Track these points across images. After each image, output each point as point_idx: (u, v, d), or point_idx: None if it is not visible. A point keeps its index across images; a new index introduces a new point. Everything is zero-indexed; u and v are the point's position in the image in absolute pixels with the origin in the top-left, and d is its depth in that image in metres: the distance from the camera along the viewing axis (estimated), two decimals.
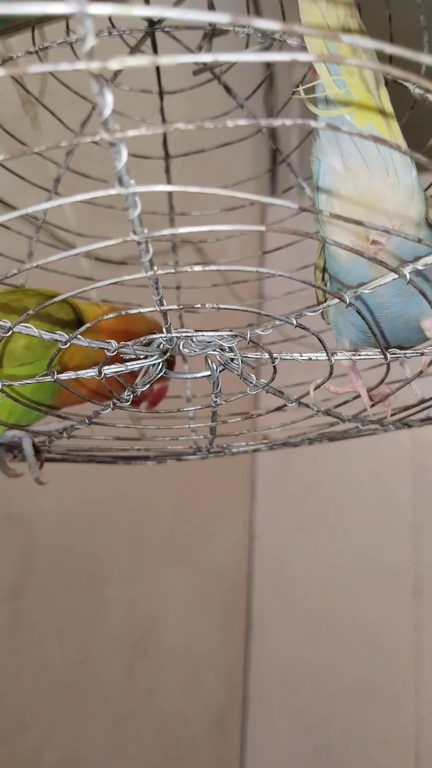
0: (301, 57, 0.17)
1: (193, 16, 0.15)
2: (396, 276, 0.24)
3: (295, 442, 0.46)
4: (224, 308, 0.26)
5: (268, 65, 0.69)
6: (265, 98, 1.19)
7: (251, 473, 1.39)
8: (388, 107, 0.30)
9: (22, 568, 0.82)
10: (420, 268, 0.24)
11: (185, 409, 0.38)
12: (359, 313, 0.27)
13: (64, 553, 0.88)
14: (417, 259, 0.25)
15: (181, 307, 0.26)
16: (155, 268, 0.23)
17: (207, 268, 0.23)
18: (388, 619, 1.21)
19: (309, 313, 0.28)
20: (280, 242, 0.57)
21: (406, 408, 0.40)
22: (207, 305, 0.26)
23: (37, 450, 0.46)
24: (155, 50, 0.43)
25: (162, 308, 0.26)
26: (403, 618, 1.19)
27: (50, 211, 0.53)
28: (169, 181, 0.51)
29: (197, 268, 0.23)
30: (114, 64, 0.16)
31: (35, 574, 0.83)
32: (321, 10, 0.28)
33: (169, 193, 0.51)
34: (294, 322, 0.28)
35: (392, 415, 0.40)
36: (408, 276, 0.24)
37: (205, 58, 0.16)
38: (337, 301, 0.27)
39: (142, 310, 0.26)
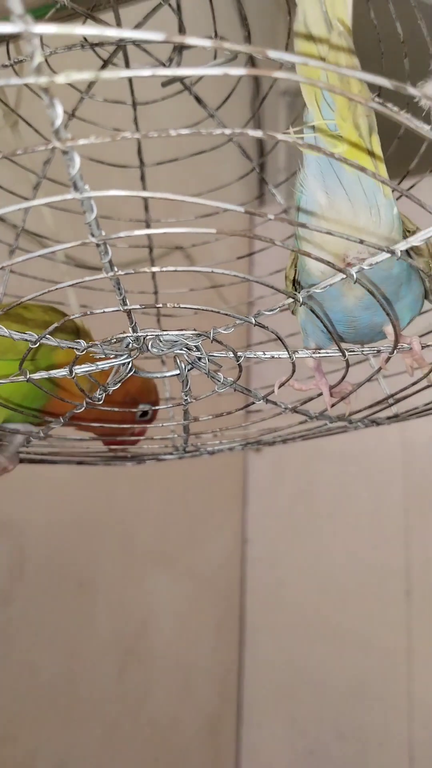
0: (253, 72, 0.18)
1: (129, 35, 0.17)
2: (344, 276, 0.26)
3: (268, 440, 0.47)
4: (184, 307, 0.28)
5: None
6: (251, 104, 1.21)
7: (243, 478, 1.40)
8: (378, 152, 0.31)
9: (11, 575, 0.82)
10: (365, 267, 0.25)
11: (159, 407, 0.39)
12: (312, 311, 0.28)
13: (53, 559, 0.89)
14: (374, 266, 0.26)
15: (143, 306, 0.27)
16: (116, 269, 0.25)
17: (165, 269, 0.25)
18: (381, 621, 1.22)
19: (267, 313, 0.29)
20: (268, 245, 0.59)
21: (374, 404, 0.41)
22: (168, 305, 0.28)
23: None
24: (127, 63, 0.45)
25: (125, 308, 0.27)
26: (395, 620, 1.20)
27: (30, 220, 0.54)
28: (144, 189, 0.53)
29: (155, 269, 0.25)
30: (61, 79, 0.17)
31: (25, 580, 0.84)
32: (316, 43, 0.29)
33: (145, 200, 0.52)
34: (253, 321, 0.29)
35: (358, 411, 0.41)
36: (355, 276, 0.26)
37: (146, 72, 0.18)
38: (291, 300, 0.28)
39: (106, 309, 0.28)
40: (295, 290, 0.39)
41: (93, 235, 0.23)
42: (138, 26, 0.43)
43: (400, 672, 1.19)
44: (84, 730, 0.94)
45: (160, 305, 0.27)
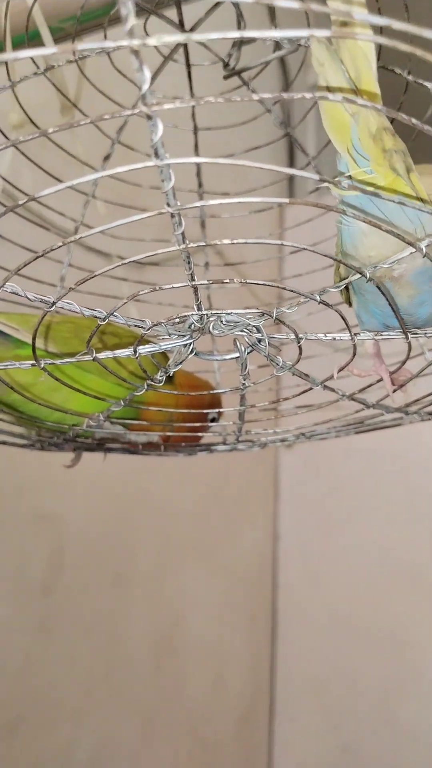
0: (317, 33, 0.18)
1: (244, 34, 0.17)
2: (413, 250, 0.26)
3: (322, 432, 0.47)
4: (250, 283, 0.28)
5: (285, 72, 0.72)
6: (282, 105, 1.22)
7: (275, 474, 1.40)
8: (419, 186, 0.30)
9: (51, 567, 0.84)
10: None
11: (215, 391, 0.39)
12: (378, 288, 0.28)
13: (92, 552, 0.90)
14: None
15: (210, 281, 0.28)
16: (187, 242, 0.25)
17: (236, 241, 0.25)
18: (414, 617, 1.20)
19: (332, 289, 0.29)
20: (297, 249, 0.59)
21: (430, 395, 0.41)
22: (235, 280, 0.28)
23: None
24: (187, 57, 0.46)
25: (193, 283, 0.28)
26: (429, 616, 1.19)
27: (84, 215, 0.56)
28: (200, 185, 0.54)
29: (226, 241, 0.25)
30: (152, 41, 0.18)
31: (64, 572, 0.85)
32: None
33: (198, 175, 0.53)
34: (318, 298, 0.30)
35: (415, 402, 0.41)
36: (424, 249, 0.26)
37: (234, 34, 0.18)
38: (358, 276, 0.28)
39: (175, 285, 0.28)
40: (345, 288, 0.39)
41: (169, 205, 0.23)
42: (199, 22, 0.44)
43: None
44: (121, 720, 0.94)
45: (227, 281, 0.28)
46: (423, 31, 0.19)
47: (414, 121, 0.21)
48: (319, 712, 1.27)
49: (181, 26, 0.43)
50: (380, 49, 0.40)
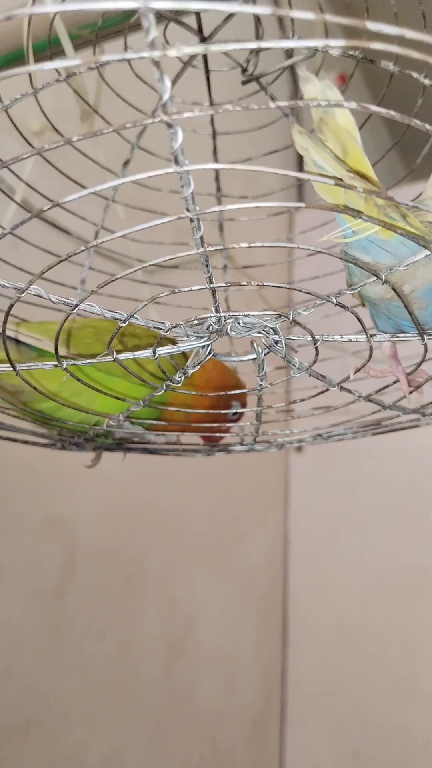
0: (332, 43, 0.19)
1: (268, 45, 0.18)
2: (428, 252, 0.26)
3: (339, 433, 0.47)
4: (268, 285, 0.28)
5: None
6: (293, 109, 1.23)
7: (285, 478, 1.40)
8: (418, 225, 0.30)
9: (63, 570, 0.84)
10: None
11: (231, 392, 0.40)
12: (394, 290, 0.29)
13: (103, 554, 0.91)
14: None
15: (228, 284, 0.28)
16: (206, 245, 0.26)
17: (253, 245, 0.26)
18: (425, 620, 1.20)
19: (348, 292, 0.30)
20: (306, 253, 0.60)
21: None
22: (253, 283, 0.29)
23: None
24: (206, 64, 0.46)
25: (212, 286, 0.28)
26: None
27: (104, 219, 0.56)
28: (218, 189, 0.54)
29: (244, 244, 0.26)
30: (173, 52, 0.18)
31: (76, 575, 0.86)
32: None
33: (217, 180, 0.54)
34: (333, 300, 0.30)
35: (430, 403, 0.41)
36: None
37: (251, 45, 0.19)
38: (374, 279, 0.29)
39: (194, 288, 0.29)
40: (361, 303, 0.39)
41: (188, 210, 0.24)
42: (217, 29, 0.45)
43: None
44: (133, 723, 0.95)
45: (245, 283, 0.28)
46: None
47: (428, 126, 0.21)
48: (331, 716, 1.27)
49: (200, 32, 0.44)
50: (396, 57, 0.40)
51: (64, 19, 0.42)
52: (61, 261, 0.26)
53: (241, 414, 0.49)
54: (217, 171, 0.53)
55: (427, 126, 0.21)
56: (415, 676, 1.19)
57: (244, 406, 0.50)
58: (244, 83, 0.45)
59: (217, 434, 0.50)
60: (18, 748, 0.78)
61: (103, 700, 0.90)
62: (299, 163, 1.36)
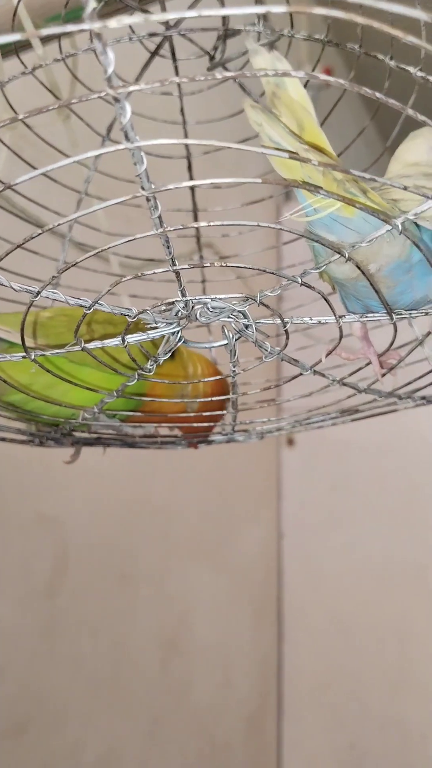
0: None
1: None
2: (389, 227, 0.26)
3: (317, 420, 0.47)
4: (231, 266, 0.28)
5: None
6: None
7: (277, 472, 1.40)
8: (380, 201, 0.29)
9: (55, 569, 0.84)
10: (410, 218, 0.26)
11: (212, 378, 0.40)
12: (359, 267, 0.28)
13: (95, 552, 0.91)
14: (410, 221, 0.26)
15: (191, 265, 0.28)
16: (165, 225, 0.25)
17: (212, 223, 0.26)
18: (419, 613, 1.20)
19: (312, 271, 0.29)
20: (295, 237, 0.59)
21: (423, 375, 0.41)
22: (215, 264, 0.28)
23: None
24: (173, 53, 0.46)
25: (174, 268, 0.28)
26: None
27: (85, 220, 0.56)
28: (191, 179, 0.54)
29: (203, 223, 0.25)
30: (113, 23, 0.18)
31: (69, 574, 0.86)
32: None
33: (192, 191, 0.54)
34: (299, 280, 0.30)
35: (406, 385, 0.41)
36: (400, 226, 0.26)
37: (191, 13, 0.19)
38: (337, 256, 0.28)
39: (156, 270, 0.29)
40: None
41: (143, 189, 0.24)
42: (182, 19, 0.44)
43: None
44: (129, 721, 0.95)
45: (208, 264, 0.28)
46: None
47: (378, 94, 0.21)
48: (327, 710, 1.27)
49: (165, 23, 0.44)
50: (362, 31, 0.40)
51: (28, 11, 0.42)
52: (17, 247, 0.26)
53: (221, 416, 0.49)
54: (189, 161, 0.53)
55: (377, 94, 0.21)
56: (411, 668, 1.20)
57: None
58: (209, 69, 0.45)
59: (196, 439, 0.50)
60: (13, 747, 0.77)
61: (99, 698, 0.90)
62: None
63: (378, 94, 0.21)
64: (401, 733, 1.19)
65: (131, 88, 0.20)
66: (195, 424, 0.47)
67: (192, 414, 0.46)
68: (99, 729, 0.89)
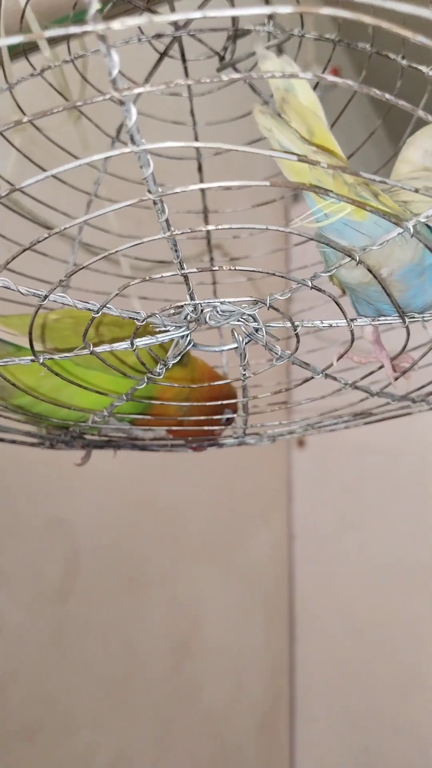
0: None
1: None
2: (401, 230, 0.26)
3: (329, 423, 0.47)
4: (240, 270, 0.28)
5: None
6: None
7: (288, 474, 1.39)
8: (391, 204, 0.29)
9: (66, 572, 0.84)
10: (422, 220, 0.25)
11: (218, 382, 0.39)
12: (370, 272, 0.28)
13: (105, 555, 0.90)
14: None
15: (199, 269, 0.28)
16: (172, 229, 0.25)
17: (220, 227, 0.25)
18: None
19: (322, 274, 0.29)
20: (304, 239, 0.59)
21: None
22: (224, 267, 0.28)
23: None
24: (183, 53, 0.46)
25: (183, 272, 0.28)
26: None
27: (96, 222, 0.56)
28: (201, 180, 0.54)
29: (210, 227, 0.25)
30: (116, 25, 0.18)
31: (79, 577, 0.85)
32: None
33: (202, 193, 0.53)
34: (309, 284, 0.29)
35: (420, 388, 0.41)
36: (412, 229, 0.25)
37: (196, 15, 0.18)
38: (348, 260, 0.28)
39: (165, 274, 0.28)
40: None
41: (150, 192, 0.23)
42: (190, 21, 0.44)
43: None
44: (141, 724, 0.94)
45: (216, 268, 0.28)
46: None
47: (387, 96, 0.21)
48: (340, 712, 1.26)
49: (174, 23, 0.44)
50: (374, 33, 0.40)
51: (36, 12, 0.42)
52: (24, 250, 0.26)
53: (232, 419, 0.48)
54: (200, 163, 0.52)
55: (387, 95, 0.21)
56: (424, 670, 1.18)
57: (236, 411, 0.49)
58: (218, 70, 0.44)
59: (206, 442, 0.50)
60: (25, 752, 0.77)
61: (110, 702, 0.90)
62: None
63: (388, 96, 0.20)
64: (415, 736, 1.18)
65: (136, 91, 0.19)
66: (188, 428, 0.47)
67: (189, 418, 0.46)
68: (110, 733, 0.89)
